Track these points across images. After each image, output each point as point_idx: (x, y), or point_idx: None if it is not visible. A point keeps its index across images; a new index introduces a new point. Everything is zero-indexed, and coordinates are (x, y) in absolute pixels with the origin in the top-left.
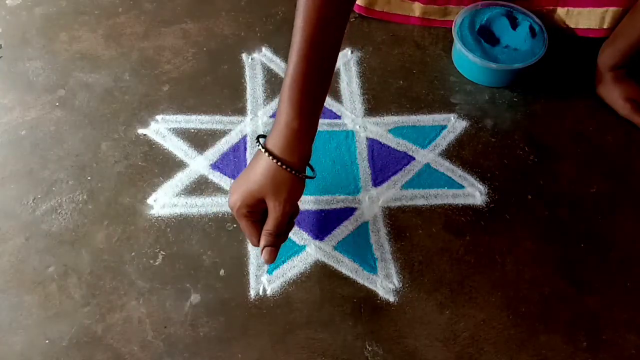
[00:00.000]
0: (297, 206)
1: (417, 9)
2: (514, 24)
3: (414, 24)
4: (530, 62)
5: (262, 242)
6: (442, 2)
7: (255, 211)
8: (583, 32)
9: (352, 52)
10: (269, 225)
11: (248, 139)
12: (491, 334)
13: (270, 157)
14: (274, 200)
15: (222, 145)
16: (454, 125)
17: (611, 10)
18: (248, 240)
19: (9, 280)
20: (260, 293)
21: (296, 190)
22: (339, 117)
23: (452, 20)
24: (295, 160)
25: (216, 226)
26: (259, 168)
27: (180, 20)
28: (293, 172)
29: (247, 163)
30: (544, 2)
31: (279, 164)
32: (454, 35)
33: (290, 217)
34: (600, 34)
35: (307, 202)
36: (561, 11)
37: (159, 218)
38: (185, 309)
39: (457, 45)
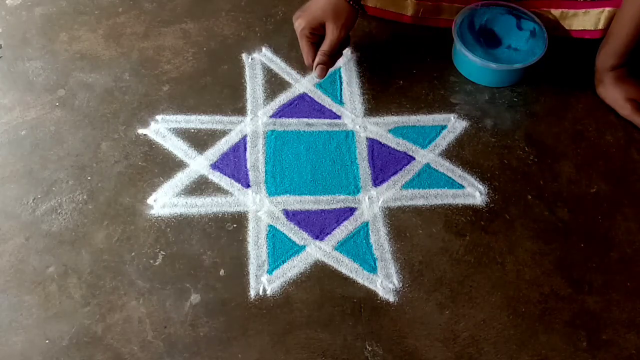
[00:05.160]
0: (349, 36)
1: (409, 7)
2: (519, 24)
3: (406, 22)
4: (530, 62)
5: (317, 60)
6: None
7: (315, 34)
8: (578, 33)
9: (352, 52)
10: (325, 46)
11: (248, 139)
12: (491, 334)
13: None
14: (333, 25)
15: (222, 145)
16: (454, 125)
17: (607, 11)
18: (304, 61)
19: (9, 280)
20: (260, 293)
21: (351, 19)
22: (339, 117)
23: (445, 19)
24: None
25: (216, 226)
26: None
27: (180, 20)
28: (351, 2)
29: (247, 163)
30: (538, 4)
31: None
32: (454, 35)
33: (342, 43)
34: (595, 35)
35: (307, 202)
36: (555, 13)
37: (159, 218)
38: (185, 309)
39: (457, 45)
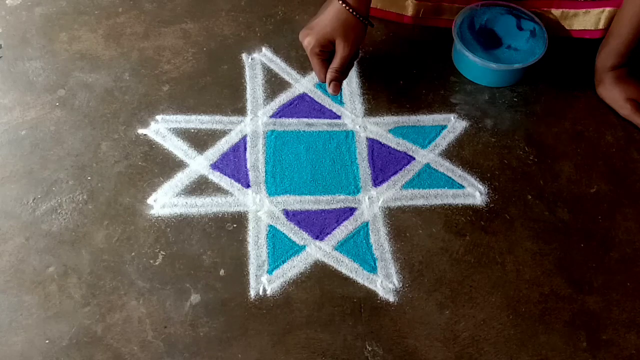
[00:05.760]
0: (359, 50)
1: (410, 7)
2: (519, 24)
3: (407, 23)
4: (530, 62)
5: (329, 77)
6: (435, 0)
7: (325, 51)
8: (578, 33)
9: None
10: (336, 63)
11: (248, 139)
12: (491, 334)
13: (342, 4)
14: (343, 42)
15: (222, 145)
16: (454, 125)
17: (607, 11)
18: (317, 77)
19: (9, 280)
20: (260, 293)
21: (361, 34)
22: (339, 117)
23: (445, 20)
24: (362, 8)
25: (216, 226)
26: (331, 14)
27: (180, 20)
28: (360, 18)
29: (247, 163)
30: (538, 4)
31: (349, 10)
32: (454, 35)
33: (352, 58)
34: (595, 34)
35: (307, 202)
36: (556, 12)
37: (159, 218)
38: (185, 309)
39: (457, 45)
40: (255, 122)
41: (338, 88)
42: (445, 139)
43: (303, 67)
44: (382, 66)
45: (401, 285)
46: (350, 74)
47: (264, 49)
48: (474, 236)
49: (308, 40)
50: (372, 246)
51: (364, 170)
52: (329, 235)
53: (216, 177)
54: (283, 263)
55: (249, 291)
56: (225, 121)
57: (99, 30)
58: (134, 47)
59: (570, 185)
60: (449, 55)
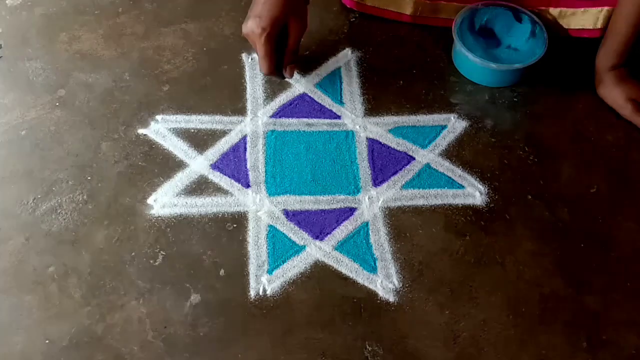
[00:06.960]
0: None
1: (408, 5)
2: (519, 24)
3: (405, 21)
4: (530, 62)
5: (288, 61)
6: None
7: (276, 34)
8: (577, 32)
9: (352, 52)
10: (291, 44)
11: (248, 139)
12: (491, 334)
13: None
14: (297, 21)
15: (222, 145)
16: (454, 125)
17: (606, 10)
18: (261, 70)
19: (9, 280)
20: (260, 293)
21: (306, 9)
22: (339, 117)
23: (444, 19)
24: None
25: (216, 226)
26: None
27: (180, 20)
28: None
29: (247, 163)
30: (535, 3)
31: None
32: (454, 35)
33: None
34: (594, 34)
35: (307, 202)
36: (554, 11)
37: (159, 218)
38: (185, 309)
39: (457, 45)
40: (255, 122)
41: (294, 70)
42: (445, 139)
43: (303, 67)
44: (382, 66)
45: (401, 285)
46: (350, 74)
47: None
48: (474, 236)
49: (262, 27)
50: (372, 246)
51: (364, 170)
52: (329, 235)
53: (216, 177)
54: (283, 263)
55: (249, 291)
56: (225, 121)
57: (99, 30)
58: (134, 47)
59: (570, 185)
60: (449, 55)
